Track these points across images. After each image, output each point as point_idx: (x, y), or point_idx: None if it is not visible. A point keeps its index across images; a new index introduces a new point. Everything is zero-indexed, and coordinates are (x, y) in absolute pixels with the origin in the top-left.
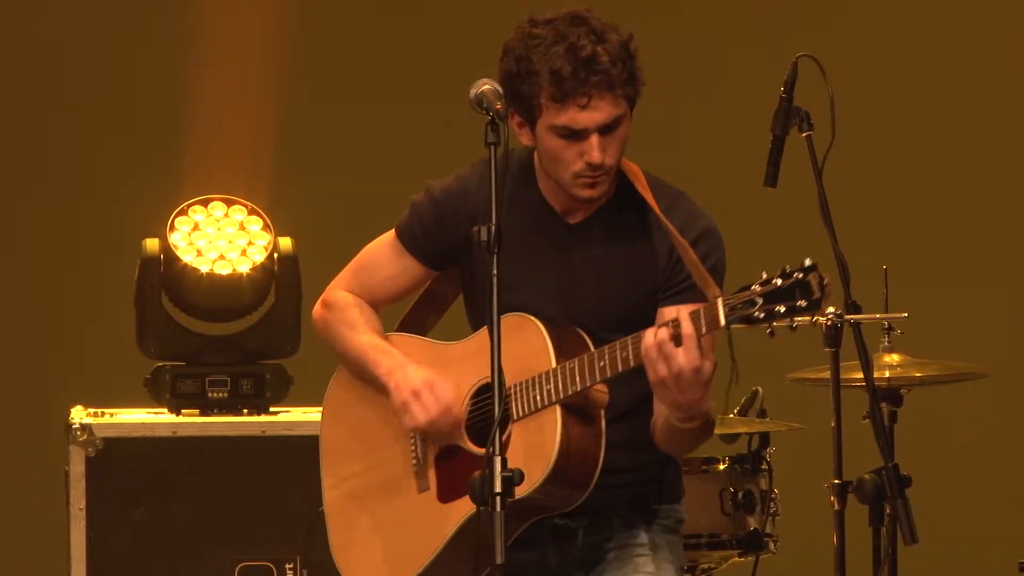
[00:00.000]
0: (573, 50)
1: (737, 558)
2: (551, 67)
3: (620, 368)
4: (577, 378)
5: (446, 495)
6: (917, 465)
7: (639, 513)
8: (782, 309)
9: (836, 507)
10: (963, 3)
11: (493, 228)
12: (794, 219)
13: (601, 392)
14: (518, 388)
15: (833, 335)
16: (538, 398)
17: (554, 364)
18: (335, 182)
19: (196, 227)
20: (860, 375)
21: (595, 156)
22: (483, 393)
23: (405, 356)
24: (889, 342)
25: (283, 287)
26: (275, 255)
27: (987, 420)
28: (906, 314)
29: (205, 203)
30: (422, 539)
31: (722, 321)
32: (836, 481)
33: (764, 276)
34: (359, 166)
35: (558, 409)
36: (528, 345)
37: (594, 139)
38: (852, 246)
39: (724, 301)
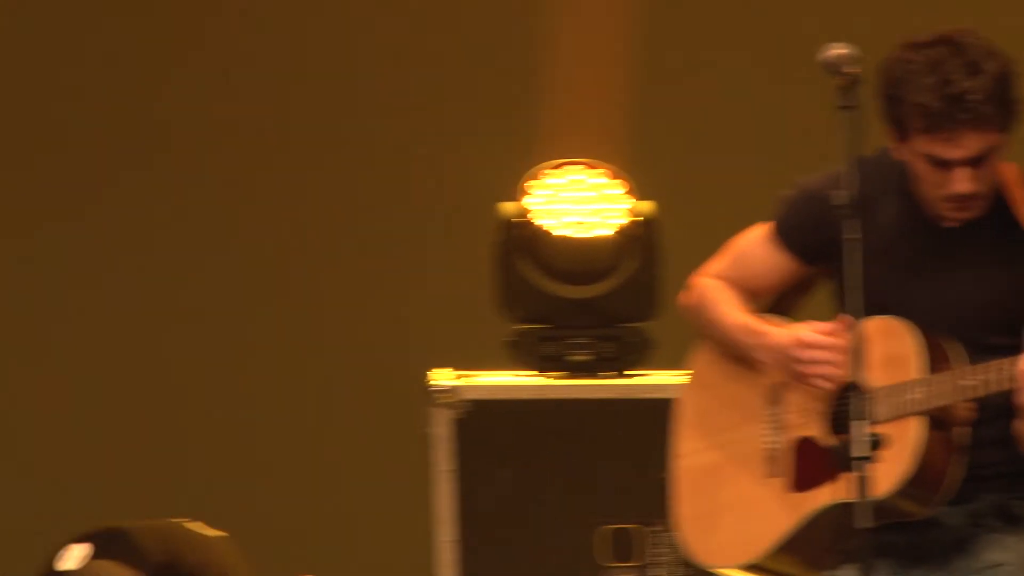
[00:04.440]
0: (943, 85)
1: None
2: (918, 100)
3: (992, 390)
4: (946, 393)
5: (802, 484)
6: None
7: (1013, 499)
8: None
9: None
10: None
11: (848, 193)
12: None
13: (968, 409)
14: (882, 392)
15: None
16: (902, 405)
17: (924, 373)
18: (696, 144)
19: (553, 191)
20: None
21: (958, 187)
22: (848, 391)
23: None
24: None
25: (644, 251)
26: (636, 219)
27: None
28: None
29: (562, 167)
30: (771, 522)
31: None
32: None
33: None
34: (720, 130)
35: (922, 420)
36: (898, 351)
37: (959, 171)
38: None
39: None
